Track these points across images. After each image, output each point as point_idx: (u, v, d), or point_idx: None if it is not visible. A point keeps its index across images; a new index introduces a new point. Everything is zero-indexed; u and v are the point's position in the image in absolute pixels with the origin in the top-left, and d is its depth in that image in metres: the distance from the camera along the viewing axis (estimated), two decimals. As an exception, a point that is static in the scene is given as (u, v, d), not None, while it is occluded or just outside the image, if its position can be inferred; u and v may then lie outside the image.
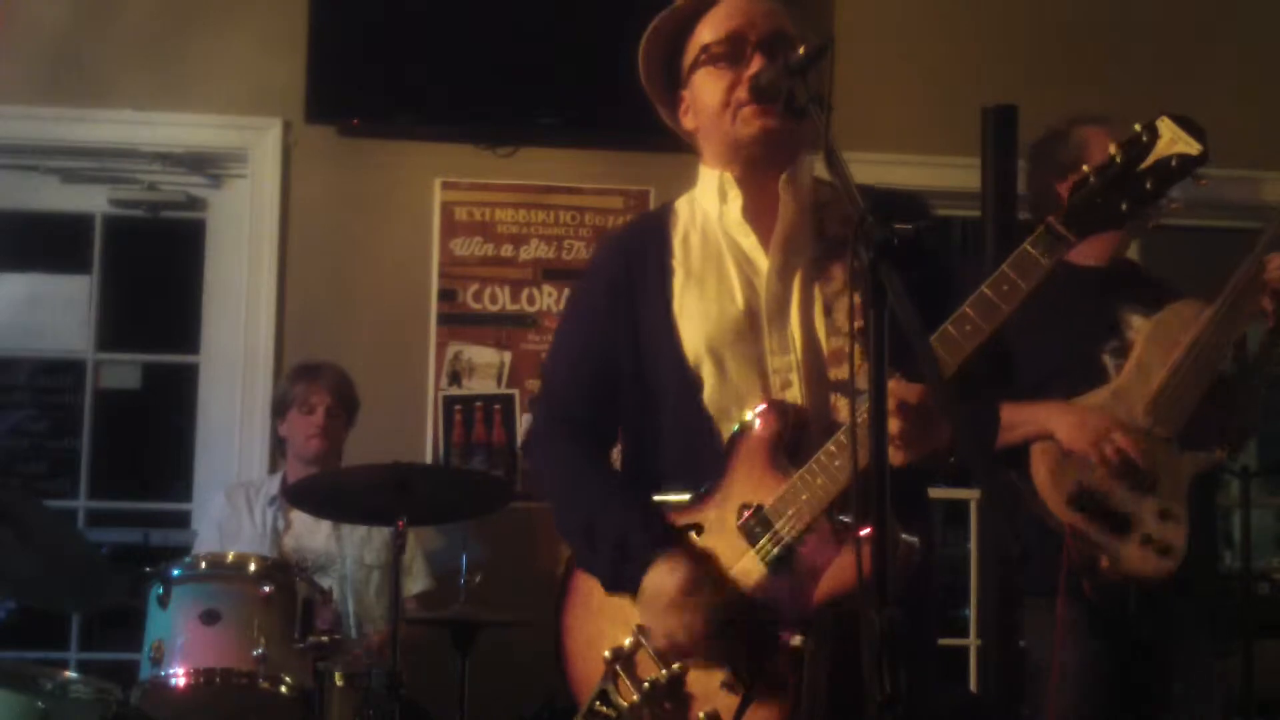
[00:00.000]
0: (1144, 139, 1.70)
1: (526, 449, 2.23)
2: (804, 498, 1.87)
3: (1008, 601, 3.28)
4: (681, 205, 2.15)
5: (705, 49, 2.03)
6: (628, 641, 1.95)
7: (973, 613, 4.42)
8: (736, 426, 1.96)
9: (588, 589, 2.04)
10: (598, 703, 1.97)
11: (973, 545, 4.46)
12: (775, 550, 1.89)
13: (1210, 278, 2.91)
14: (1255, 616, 3.94)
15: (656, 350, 2.04)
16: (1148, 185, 1.71)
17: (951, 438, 1.82)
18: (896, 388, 1.74)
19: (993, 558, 3.46)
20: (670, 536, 1.95)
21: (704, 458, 1.99)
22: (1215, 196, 4.42)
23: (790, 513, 1.88)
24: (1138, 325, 2.92)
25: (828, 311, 1.99)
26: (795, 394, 1.97)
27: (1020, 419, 2.77)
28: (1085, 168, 1.76)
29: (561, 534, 2.12)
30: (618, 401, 2.11)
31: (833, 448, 1.85)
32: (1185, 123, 1.71)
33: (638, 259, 2.10)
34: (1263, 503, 4.69)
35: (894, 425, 1.75)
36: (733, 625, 1.89)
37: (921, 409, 1.78)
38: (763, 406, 1.95)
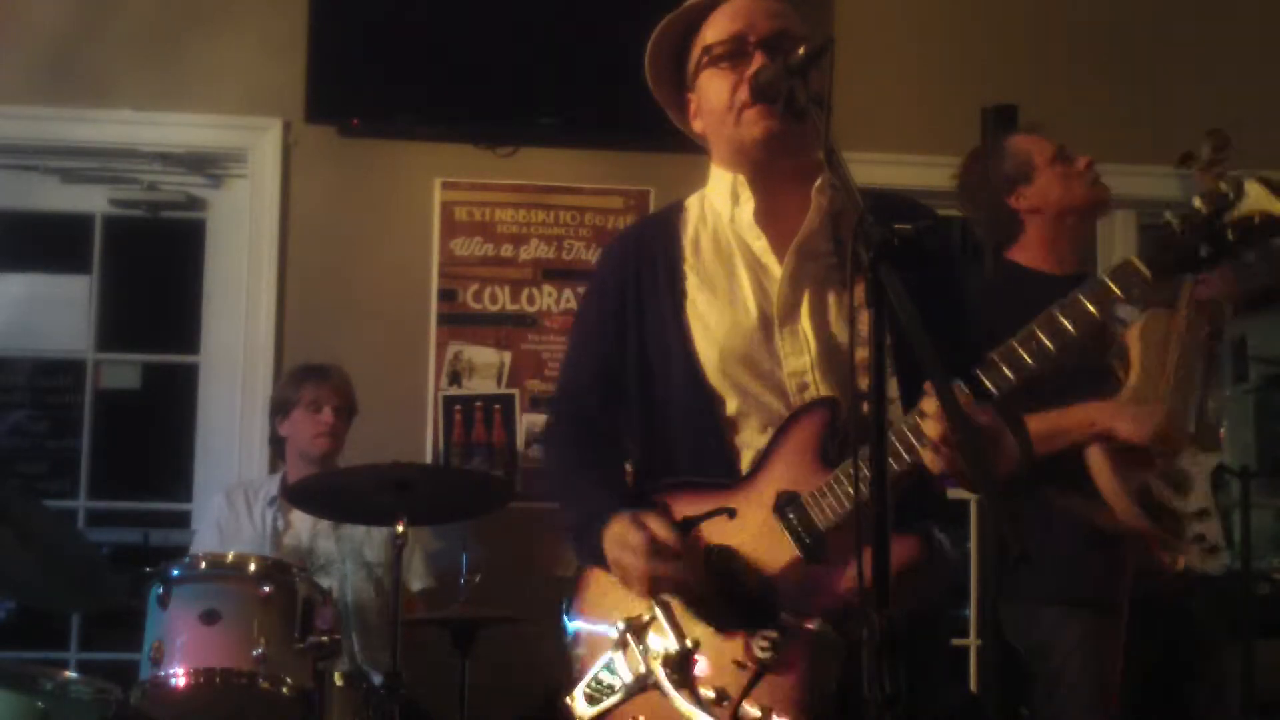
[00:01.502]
0: (1230, 195, 1.73)
1: (540, 445, 2.31)
2: (842, 492, 1.89)
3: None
4: (692, 204, 2.15)
5: (708, 50, 2.04)
6: (645, 614, 1.96)
7: (973, 613, 4.42)
8: (789, 416, 1.97)
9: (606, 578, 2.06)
10: (603, 670, 1.98)
11: (973, 545, 4.46)
12: (808, 537, 1.91)
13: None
14: (1255, 616, 3.93)
15: (666, 352, 2.05)
16: (1229, 235, 1.73)
17: (1018, 461, 1.82)
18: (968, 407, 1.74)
19: (992, 558, 3.46)
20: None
21: (715, 459, 2.00)
22: (1215, 196, 4.43)
23: (827, 504, 1.90)
24: (1129, 320, 2.93)
25: (849, 323, 1.98)
26: (814, 394, 1.98)
27: (1069, 423, 2.74)
28: (1168, 214, 1.76)
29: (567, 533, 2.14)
30: (622, 395, 2.13)
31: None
32: (1275, 187, 1.73)
33: (648, 260, 2.10)
34: (1263, 503, 4.69)
35: (935, 429, 1.74)
36: (755, 602, 1.90)
37: (988, 430, 1.76)
38: (814, 399, 1.97)
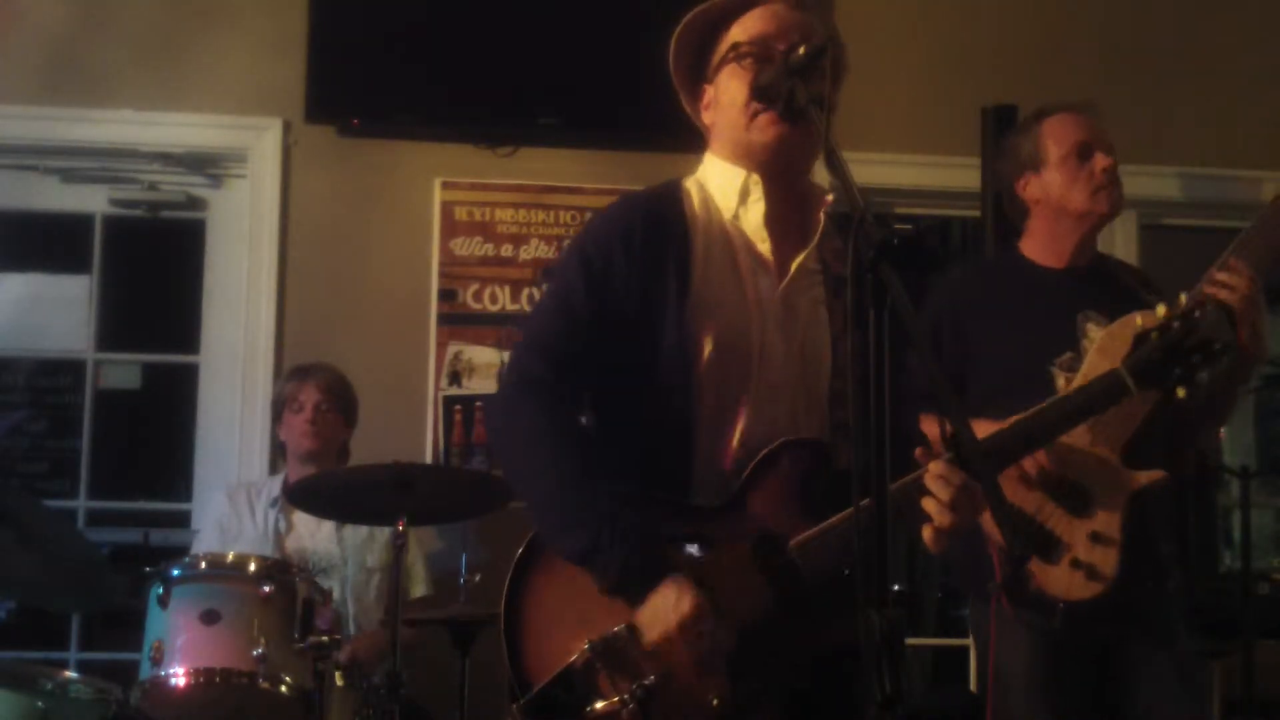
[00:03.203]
0: (1197, 315, 1.91)
1: (500, 397, 2.06)
2: (833, 548, 1.86)
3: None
4: (691, 187, 2.11)
5: (735, 47, 2.04)
6: (617, 630, 1.87)
7: (973, 613, 4.41)
8: (772, 448, 1.94)
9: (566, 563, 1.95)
10: (559, 689, 1.88)
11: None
12: (790, 587, 1.88)
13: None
14: (1255, 616, 3.93)
15: (660, 330, 1.98)
16: (1194, 361, 1.92)
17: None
18: (953, 476, 1.78)
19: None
20: (672, 554, 1.90)
21: (673, 448, 1.96)
22: (1215, 196, 4.45)
23: (815, 558, 1.88)
24: (1094, 336, 2.81)
25: (834, 348, 2.00)
26: (784, 411, 1.98)
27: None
28: (1139, 320, 1.96)
29: (535, 511, 1.99)
30: (602, 357, 2.02)
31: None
32: (1228, 311, 1.94)
33: (658, 232, 2.02)
34: (1263, 503, 4.69)
35: (948, 518, 1.78)
36: (733, 654, 1.87)
37: (967, 492, 1.79)
38: (797, 441, 1.94)
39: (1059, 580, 2.65)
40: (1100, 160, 2.95)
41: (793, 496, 1.92)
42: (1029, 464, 2.58)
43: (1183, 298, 1.90)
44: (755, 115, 1.99)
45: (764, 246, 2.04)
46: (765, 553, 1.90)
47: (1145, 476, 2.66)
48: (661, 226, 2.03)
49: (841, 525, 1.87)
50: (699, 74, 2.12)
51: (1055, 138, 2.98)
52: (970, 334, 2.87)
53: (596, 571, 1.90)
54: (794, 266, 2.02)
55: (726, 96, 2.05)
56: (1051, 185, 2.96)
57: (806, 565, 1.88)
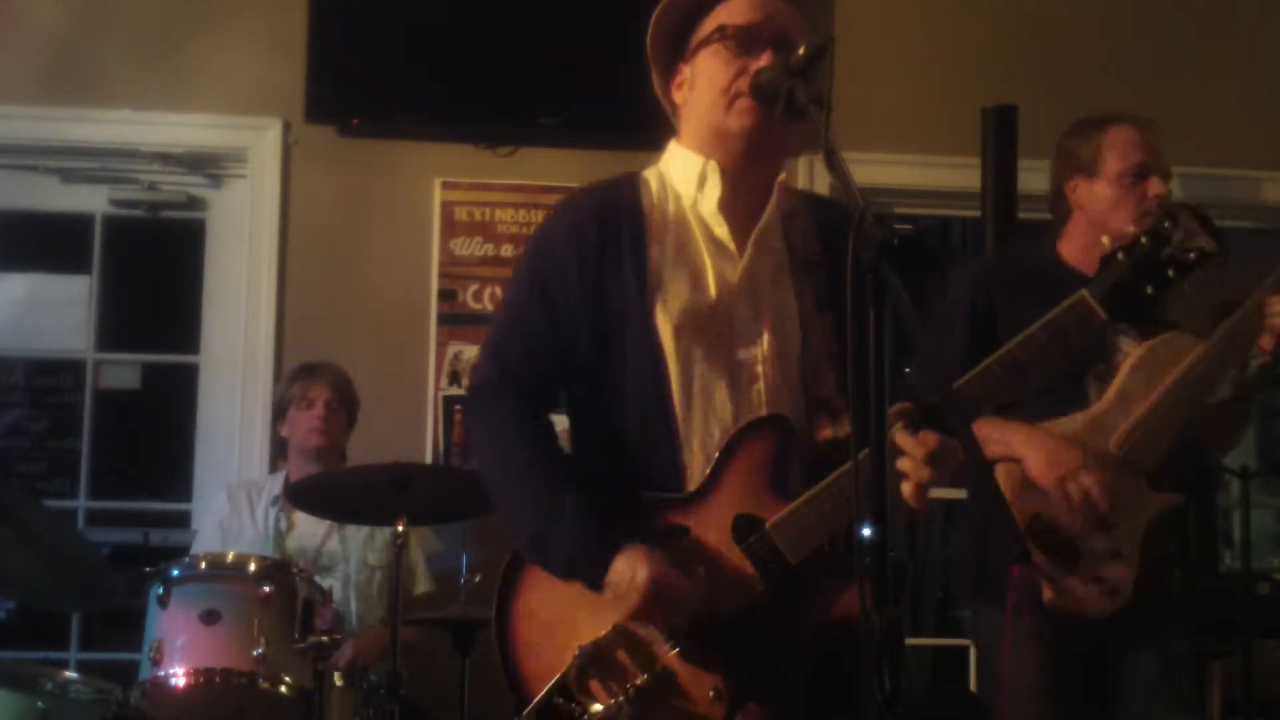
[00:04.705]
0: (1166, 226, 1.81)
1: (468, 404, 2.15)
2: (811, 522, 1.87)
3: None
4: (650, 177, 2.12)
5: (722, 28, 2.02)
6: (604, 635, 1.90)
7: (973, 613, 4.41)
8: (736, 432, 1.94)
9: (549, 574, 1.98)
10: (558, 698, 1.90)
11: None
12: (775, 569, 1.89)
13: (1209, 280, 2.87)
14: (1255, 616, 3.93)
15: (624, 325, 2.00)
16: (1169, 274, 1.83)
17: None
18: (927, 438, 1.79)
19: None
20: (633, 532, 1.91)
21: (660, 440, 1.97)
22: (1215, 196, 4.45)
23: (795, 535, 1.88)
24: (1126, 349, 2.81)
25: (804, 327, 2.00)
26: (761, 389, 1.98)
27: (993, 437, 2.66)
28: (1105, 240, 1.86)
29: (500, 512, 2.07)
30: (566, 368, 2.04)
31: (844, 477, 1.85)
32: (1203, 219, 1.85)
33: (610, 227, 2.04)
34: (1263, 503, 4.69)
35: (926, 473, 1.79)
36: (725, 631, 1.87)
37: (944, 450, 1.80)
38: (766, 418, 1.95)
39: (1078, 594, 2.67)
40: (1154, 186, 2.89)
41: (765, 477, 1.92)
42: (1074, 491, 2.60)
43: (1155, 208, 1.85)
44: (735, 100, 1.98)
45: (720, 230, 2.04)
46: (743, 536, 1.90)
47: (1164, 499, 2.73)
48: (615, 220, 2.05)
49: (816, 500, 1.88)
50: (676, 54, 2.11)
51: (1118, 151, 2.92)
52: (1002, 326, 2.83)
53: (547, 559, 1.94)
54: (750, 243, 2.03)
55: (705, 76, 2.04)
56: (1100, 197, 2.91)
57: (785, 544, 1.89)
